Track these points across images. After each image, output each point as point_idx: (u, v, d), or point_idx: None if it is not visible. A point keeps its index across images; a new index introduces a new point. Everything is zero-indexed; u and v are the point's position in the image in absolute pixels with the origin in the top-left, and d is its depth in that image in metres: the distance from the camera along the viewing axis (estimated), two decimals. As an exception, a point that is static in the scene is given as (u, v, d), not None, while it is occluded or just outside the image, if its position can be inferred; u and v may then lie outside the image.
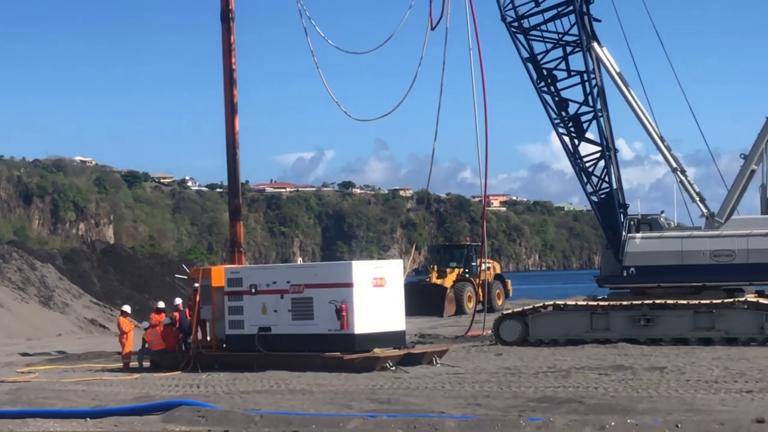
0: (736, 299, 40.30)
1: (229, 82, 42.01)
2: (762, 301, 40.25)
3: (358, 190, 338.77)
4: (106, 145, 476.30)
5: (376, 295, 35.39)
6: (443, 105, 44.63)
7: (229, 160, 42.31)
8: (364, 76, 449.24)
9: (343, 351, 34.61)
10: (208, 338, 38.33)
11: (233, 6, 42.00)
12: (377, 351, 34.90)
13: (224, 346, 37.61)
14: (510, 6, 43.06)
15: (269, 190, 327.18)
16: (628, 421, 19.04)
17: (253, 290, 36.51)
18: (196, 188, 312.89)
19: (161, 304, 40.78)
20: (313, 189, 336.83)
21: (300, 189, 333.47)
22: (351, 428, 19.76)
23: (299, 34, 44.07)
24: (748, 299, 40.30)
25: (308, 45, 44.01)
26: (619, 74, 43.16)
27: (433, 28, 42.72)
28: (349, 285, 34.89)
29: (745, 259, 40.85)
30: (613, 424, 18.31)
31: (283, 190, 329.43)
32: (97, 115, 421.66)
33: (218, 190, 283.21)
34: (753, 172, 42.00)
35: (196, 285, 38.50)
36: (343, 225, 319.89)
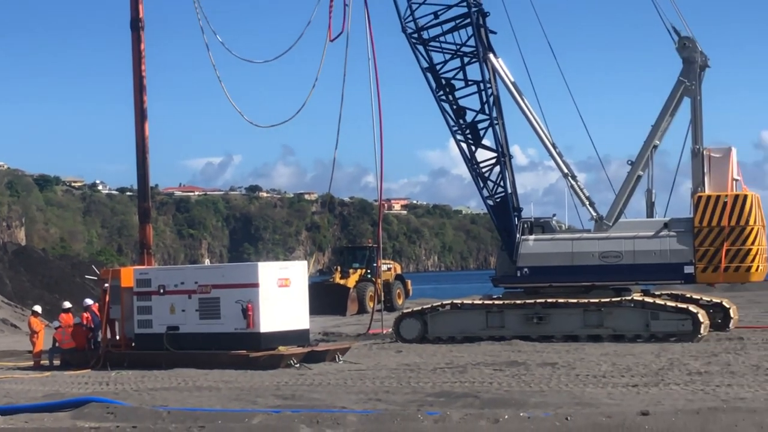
0: (623, 298, 40.79)
1: (139, 89, 41.71)
2: (647, 299, 40.78)
3: (265, 194, 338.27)
4: (18, 149, 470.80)
5: (281, 295, 35.37)
6: (348, 112, 44.87)
7: (139, 164, 41.99)
8: (276, 83, 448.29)
9: (249, 349, 34.53)
10: (117, 337, 38.05)
11: (143, 15, 41.68)
12: (282, 349, 34.89)
13: (133, 344, 37.35)
14: (410, 18, 43.25)
15: (178, 193, 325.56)
16: (521, 414, 19.21)
17: (162, 290, 36.30)
18: (107, 192, 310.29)
19: (67, 305, 40.55)
20: (221, 193, 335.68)
21: (208, 193, 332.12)
22: (255, 423, 19.73)
23: (198, 41, 43.78)
24: (635, 298, 40.79)
25: (210, 59, 43.78)
26: (513, 84, 43.53)
27: (332, 40, 42.64)
28: (255, 285, 34.83)
29: (632, 260, 41.36)
30: (506, 417, 18.47)
31: (192, 193, 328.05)
32: (9, 120, 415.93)
33: (128, 193, 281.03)
34: (639, 177, 42.55)
35: (106, 285, 38.23)
36: (250, 227, 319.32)
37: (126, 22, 41.97)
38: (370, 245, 72.76)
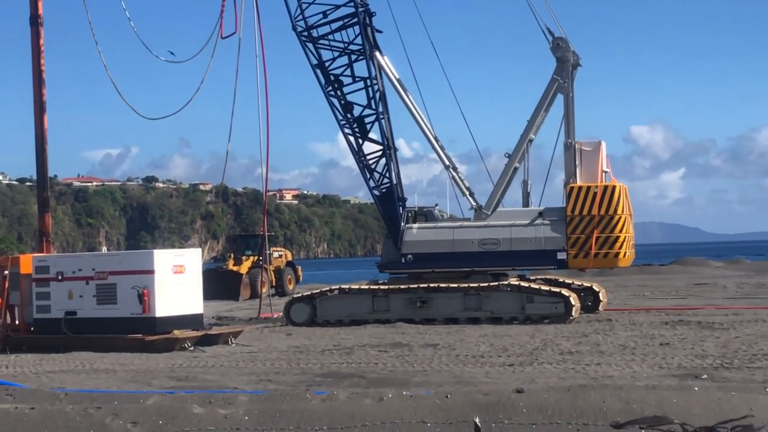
0: (501, 283, 41.17)
1: (38, 83, 40.98)
2: (523, 284, 41.18)
3: (161, 185, 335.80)
4: None
5: (176, 281, 35.09)
6: (243, 107, 44.45)
7: (38, 155, 41.29)
8: (177, 78, 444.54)
9: (145, 333, 34.18)
10: (17, 322, 37.44)
11: (41, 11, 40.98)
12: (177, 332, 34.59)
13: (32, 329, 36.77)
14: (300, 17, 43.14)
15: (77, 184, 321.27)
16: (404, 392, 19.26)
17: (60, 277, 35.77)
18: (7, 182, 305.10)
19: None
20: (119, 183, 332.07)
21: (106, 183, 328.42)
22: (150, 404, 19.51)
23: (107, 38, 43.31)
24: (511, 283, 41.20)
25: (101, 58, 43.29)
26: (398, 81, 43.66)
27: (223, 38, 42.24)
28: (151, 272, 34.52)
29: (509, 247, 41.75)
30: (390, 395, 18.50)
31: (90, 184, 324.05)
32: None
33: (28, 183, 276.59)
34: (516, 169, 42.96)
35: (6, 273, 37.60)
36: (147, 216, 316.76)
37: (25, 18, 41.24)
38: (261, 233, 72.50)
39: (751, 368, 25.91)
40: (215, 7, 42.38)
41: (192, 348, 34.19)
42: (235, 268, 66.34)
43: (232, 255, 68.78)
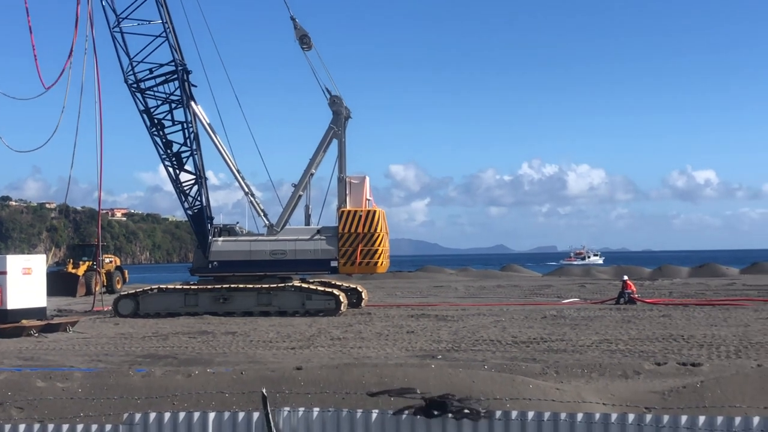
0: (287, 284, 41.20)
1: None
2: (304, 285, 41.31)
3: (14, 203, 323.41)
4: None
5: (25, 280, 33.87)
6: (84, 138, 43.04)
7: None
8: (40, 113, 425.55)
9: (-2, 322, 32.82)
10: None
11: None
12: (24, 322, 33.31)
13: None
14: (131, 72, 42.30)
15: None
16: (208, 370, 19.04)
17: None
18: None
19: None
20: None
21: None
22: (2, 379, 18.68)
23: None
24: (295, 284, 41.27)
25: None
26: (209, 125, 43.24)
27: (46, 88, 41.04)
28: (4, 273, 33.22)
29: (294, 257, 41.86)
30: (197, 372, 18.25)
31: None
32: None
33: None
34: (300, 196, 43.15)
35: None
36: (2, 229, 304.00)
37: None
38: (96, 243, 70.42)
39: (474, 350, 26.64)
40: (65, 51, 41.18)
41: (37, 334, 32.97)
42: (73, 271, 64.41)
43: (71, 260, 66.76)
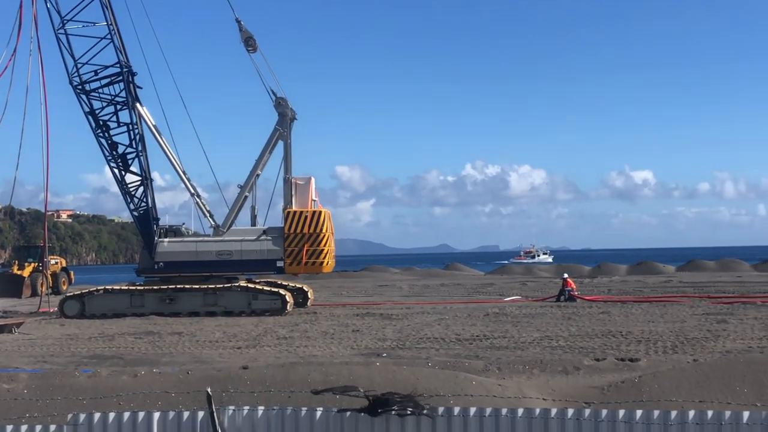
0: (233, 284, 40.99)
1: None
2: (250, 285, 41.14)
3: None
4: None
5: (-32, 283, 33.32)
6: (30, 139, 42.51)
7: None
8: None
9: (-60, 324, 32.19)
10: None
11: None
12: (-32, 324, 32.75)
13: None
14: (76, 74, 41.76)
15: None
16: (154, 370, 18.85)
17: None
18: None
19: None
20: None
21: None
22: (-56, 382, 18.34)
23: None
24: (241, 284, 41.07)
25: None
26: (155, 126, 42.81)
27: None
28: (-54, 275, 32.69)
29: (240, 257, 41.64)
30: (143, 372, 18.06)
31: None
32: None
33: None
34: (246, 197, 42.91)
35: None
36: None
37: None
38: (42, 245, 69.39)
39: (418, 348, 26.71)
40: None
41: (-19, 336, 32.41)
42: (19, 272, 63.33)
43: (17, 261, 65.65)
